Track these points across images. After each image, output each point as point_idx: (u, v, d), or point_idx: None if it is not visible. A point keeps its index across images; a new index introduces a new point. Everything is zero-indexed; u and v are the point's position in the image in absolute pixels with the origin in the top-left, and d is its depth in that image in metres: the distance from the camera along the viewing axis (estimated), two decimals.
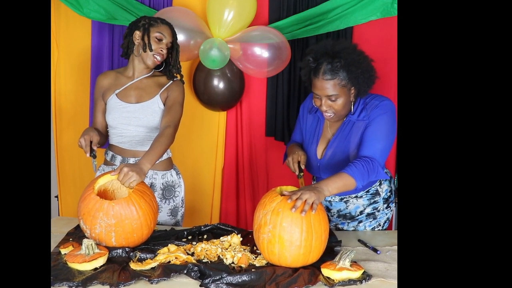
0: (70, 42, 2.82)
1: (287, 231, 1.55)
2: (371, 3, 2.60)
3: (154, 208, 1.75)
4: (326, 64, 1.80)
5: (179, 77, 2.18)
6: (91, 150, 1.93)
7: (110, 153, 2.18)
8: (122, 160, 2.14)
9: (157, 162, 2.14)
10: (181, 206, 2.27)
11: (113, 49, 2.81)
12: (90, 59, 2.83)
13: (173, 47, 2.13)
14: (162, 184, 2.20)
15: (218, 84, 2.68)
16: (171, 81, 2.15)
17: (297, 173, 1.99)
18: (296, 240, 1.55)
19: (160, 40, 2.08)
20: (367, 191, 2.02)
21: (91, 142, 1.94)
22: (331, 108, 1.86)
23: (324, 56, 1.81)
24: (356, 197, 2.03)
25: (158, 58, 2.09)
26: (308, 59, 1.85)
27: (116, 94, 2.12)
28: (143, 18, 2.11)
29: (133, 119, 2.09)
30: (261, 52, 2.58)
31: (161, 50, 2.08)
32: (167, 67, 2.17)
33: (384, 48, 2.67)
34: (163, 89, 2.12)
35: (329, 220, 2.10)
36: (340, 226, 2.09)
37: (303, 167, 2.00)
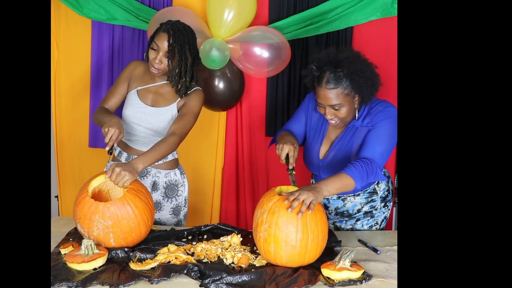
0: (70, 42, 2.82)
1: (282, 230, 1.55)
2: (371, 3, 2.59)
3: (150, 206, 1.75)
4: (329, 73, 1.78)
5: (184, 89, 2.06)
6: (111, 147, 1.84)
7: (118, 149, 2.18)
8: (127, 157, 2.15)
9: (161, 162, 2.15)
10: (184, 206, 2.27)
11: (113, 49, 2.81)
12: (90, 59, 2.83)
13: (173, 55, 1.97)
14: (165, 183, 2.20)
15: (218, 84, 2.68)
16: (192, 89, 2.09)
17: (287, 166, 1.89)
18: (291, 240, 1.55)
19: (155, 50, 1.99)
20: (365, 190, 2.03)
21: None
22: (336, 116, 1.86)
23: (327, 65, 1.80)
24: (353, 195, 2.03)
25: (154, 69, 2.01)
26: (311, 67, 1.84)
27: (137, 90, 2.11)
28: (163, 24, 2.02)
29: (144, 120, 2.09)
30: (261, 52, 2.58)
31: (156, 61, 1.98)
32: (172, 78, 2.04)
33: (384, 48, 2.67)
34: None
35: (327, 218, 2.10)
36: (338, 224, 2.09)
37: (291, 160, 1.89)
